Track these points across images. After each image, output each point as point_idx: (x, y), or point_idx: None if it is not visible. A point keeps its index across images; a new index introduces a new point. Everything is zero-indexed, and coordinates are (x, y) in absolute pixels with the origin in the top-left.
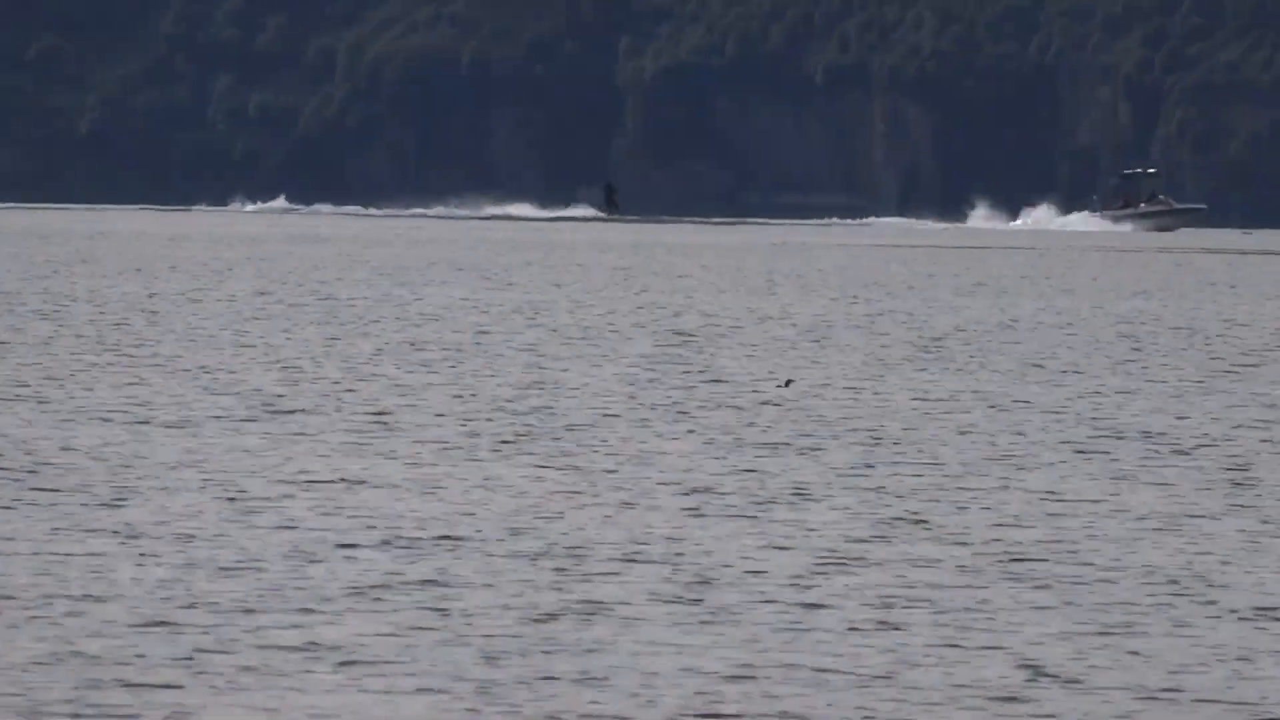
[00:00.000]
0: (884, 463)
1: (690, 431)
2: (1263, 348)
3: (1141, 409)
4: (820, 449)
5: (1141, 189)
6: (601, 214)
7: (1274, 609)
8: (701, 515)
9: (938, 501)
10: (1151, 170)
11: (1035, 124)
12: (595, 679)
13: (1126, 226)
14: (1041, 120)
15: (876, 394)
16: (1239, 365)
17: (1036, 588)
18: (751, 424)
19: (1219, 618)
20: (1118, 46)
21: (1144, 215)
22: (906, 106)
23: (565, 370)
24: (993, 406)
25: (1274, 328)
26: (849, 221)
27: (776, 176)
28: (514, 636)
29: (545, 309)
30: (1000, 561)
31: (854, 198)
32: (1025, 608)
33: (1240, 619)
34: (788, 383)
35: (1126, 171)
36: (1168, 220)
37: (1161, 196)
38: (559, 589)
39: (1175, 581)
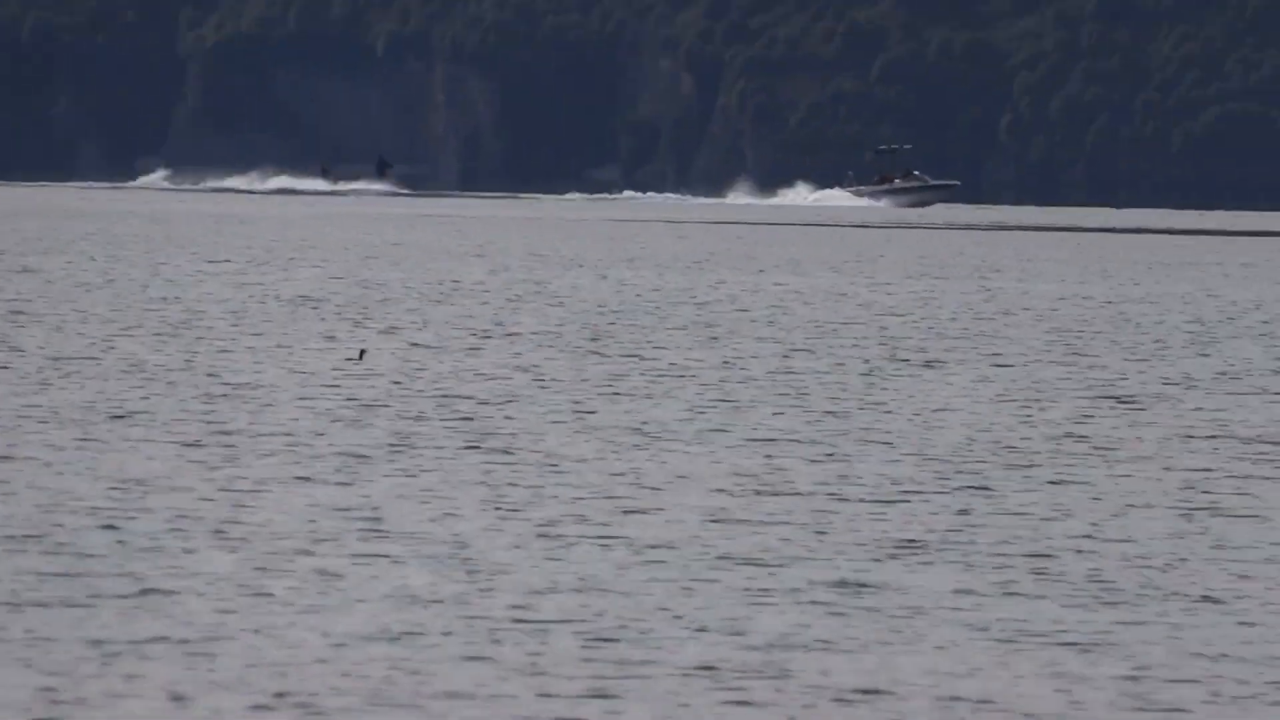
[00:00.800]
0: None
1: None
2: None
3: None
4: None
5: (896, 165)
6: (378, 186)
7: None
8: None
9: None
10: (907, 146)
11: (597, 95)
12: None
13: (881, 202)
14: (603, 91)
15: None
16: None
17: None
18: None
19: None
20: (679, 18)
21: (898, 191)
22: (468, 77)
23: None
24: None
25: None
26: (633, 196)
27: (339, 147)
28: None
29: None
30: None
31: (416, 167)
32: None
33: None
34: (361, 354)
35: (880, 147)
36: (923, 196)
37: (916, 173)
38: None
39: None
